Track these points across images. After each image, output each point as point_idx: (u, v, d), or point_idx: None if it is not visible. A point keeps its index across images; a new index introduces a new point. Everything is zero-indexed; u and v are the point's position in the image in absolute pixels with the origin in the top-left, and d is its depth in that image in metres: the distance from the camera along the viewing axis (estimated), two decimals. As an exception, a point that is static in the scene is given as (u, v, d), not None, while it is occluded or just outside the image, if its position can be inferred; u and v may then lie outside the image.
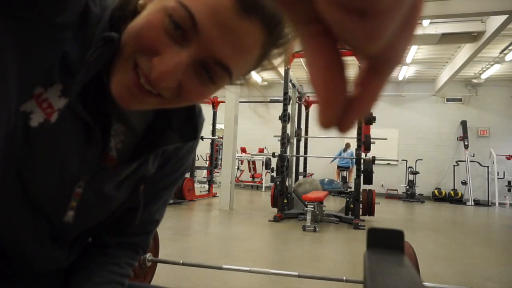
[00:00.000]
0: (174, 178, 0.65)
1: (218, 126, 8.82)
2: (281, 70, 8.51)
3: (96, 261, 0.61)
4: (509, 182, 9.94)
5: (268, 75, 11.50)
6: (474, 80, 10.29)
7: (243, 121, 9.64)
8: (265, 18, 0.40)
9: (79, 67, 0.43)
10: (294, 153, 6.69)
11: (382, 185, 10.68)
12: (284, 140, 5.59)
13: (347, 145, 9.85)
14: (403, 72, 10.32)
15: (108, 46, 0.43)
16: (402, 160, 10.43)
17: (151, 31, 0.39)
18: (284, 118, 5.57)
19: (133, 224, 0.63)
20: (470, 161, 10.01)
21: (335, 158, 9.97)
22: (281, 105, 5.72)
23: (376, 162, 5.35)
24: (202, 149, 10.40)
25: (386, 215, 6.45)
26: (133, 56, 0.41)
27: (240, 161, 11.15)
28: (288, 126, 5.75)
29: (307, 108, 7.91)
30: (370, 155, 5.59)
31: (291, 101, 6.13)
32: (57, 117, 0.43)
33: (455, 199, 9.83)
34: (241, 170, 11.28)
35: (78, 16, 0.42)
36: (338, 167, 10.20)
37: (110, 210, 0.57)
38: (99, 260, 0.62)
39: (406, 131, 11.08)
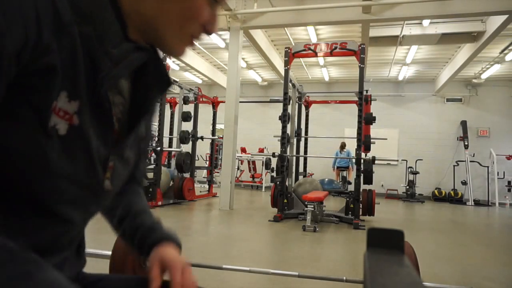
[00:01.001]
0: (148, 139, 0.76)
1: (218, 126, 8.82)
2: (281, 70, 8.52)
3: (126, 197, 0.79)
4: (509, 182, 9.95)
5: (268, 75, 11.50)
6: (474, 80, 10.30)
7: (243, 121, 9.64)
8: None
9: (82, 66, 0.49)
10: (294, 153, 6.69)
11: (382, 185, 10.69)
12: (284, 140, 5.59)
13: (343, 145, 9.84)
14: (403, 72, 10.32)
15: (142, 53, 0.58)
16: (402, 160, 10.43)
17: (202, 12, 0.57)
18: (284, 118, 5.57)
19: (138, 170, 0.78)
20: (470, 161, 10.01)
21: (335, 160, 9.97)
22: (281, 105, 5.72)
23: (376, 162, 5.35)
24: (202, 149, 10.40)
25: (386, 215, 6.45)
26: (188, 29, 0.58)
27: (240, 161, 11.15)
28: (288, 126, 5.75)
29: (307, 108, 7.91)
30: (370, 155, 5.59)
31: (291, 101, 6.13)
32: (78, 119, 0.50)
33: (455, 199, 9.83)
34: (241, 170, 11.27)
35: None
36: (338, 167, 10.20)
37: (129, 169, 0.68)
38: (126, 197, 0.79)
39: (406, 131, 11.08)
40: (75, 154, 0.51)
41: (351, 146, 9.56)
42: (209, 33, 0.60)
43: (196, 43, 0.62)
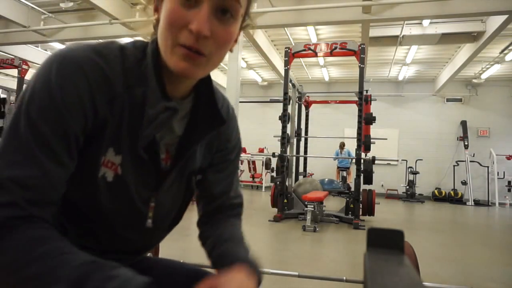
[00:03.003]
0: (231, 161, 0.82)
1: (218, 126, 8.80)
2: (281, 70, 8.52)
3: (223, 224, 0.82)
4: (509, 182, 9.94)
5: (268, 75, 11.50)
6: (474, 80, 10.29)
7: (243, 121, 9.63)
8: None
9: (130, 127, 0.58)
10: (294, 153, 6.69)
11: (382, 185, 10.68)
12: (284, 140, 5.59)
13: (341, 145, 9.83)
14: (403, 72, 10.32)
15: (171, 112, 0.61)
16: (402, 160, 10.42)
17: (175, 13, 0.53)
18: (284, 118, 5.57)
19: (226, 203, 0.84)
20: (470, 161, 10.00)
21: (335, 159, 9.97)
22: (281, 105, 5.72)
23: (376, 162, 5.35)
24: (202, 149, 10.39)
25: (386, 215, 6.45)
26: (177, 40, 0.54)
27: (240, 161, 11.12)
28: (288, 126, 5.75)
29: (307, 108, 7.91)
30: (370, 155, 5.59)
31: (291, 101, 6.13)
32: (121, 170, 0.60)
33: (455, 199, 9.82)
34: (241, 170, 11.27)
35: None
36: (338, 167, 10.20)
37: (178, 203, 0.74)
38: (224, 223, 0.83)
39: (406, 131, 11.07)
40: (119, 197, 0.62)
41: (351, 146, 9.56)
42: (195, 33, 0.53)
43: (194, 51, 0.55)
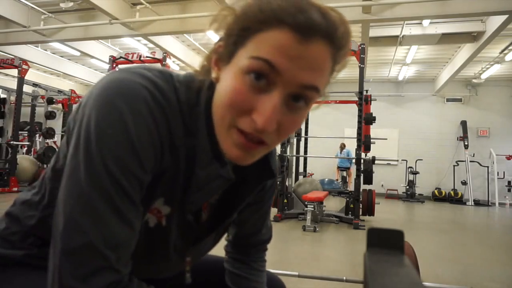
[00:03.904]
0: (266, 201, 0.78)
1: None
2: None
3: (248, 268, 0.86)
4: (509, 182, 9.94)
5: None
6: (474, 80, 10.29)
7: (243, 121, 9.59)
8: (323, 33, 0.45)
9: (183, 184, 0.55)
10: (294, 153, 6.69)
11: (382, 185, 10.68)
12: (284, 140, 5.59)
13: (342, 146, 9.85)
14: (403, 72, 10.32)
15: (225, 181, 0.56)
16: (402, 160, 10.42)
17: (240, 95, 0.46)
18: (284, 118, 5.56)
19: (258, 239, 0.86)
20: (470, 161, 10.00)
21: (336, 158, 9.98)
22: (281, 105, 5.71)
23: (376, 162, 5.34)
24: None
25: (386, 215, 6.45)
26: (234, 122, 0.48)
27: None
28: (288, 126, 5.74)
29: (307, 108, 7.89)
30: (370, 155, 5.59)
31: (291, 101, 6.12)
32: (166, 221, 0.57)
33: (455, 199, 9.82)
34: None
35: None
36: (338, 167, 10.21)
37: (211, 248, 0.74)
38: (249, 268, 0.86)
39: (406, 131, 11.07)
40: (155, 243, 0.59)
41: (351, 146, 9.56)
42: (256, 126, 0.46)
43: (253, 140, 0.48)
